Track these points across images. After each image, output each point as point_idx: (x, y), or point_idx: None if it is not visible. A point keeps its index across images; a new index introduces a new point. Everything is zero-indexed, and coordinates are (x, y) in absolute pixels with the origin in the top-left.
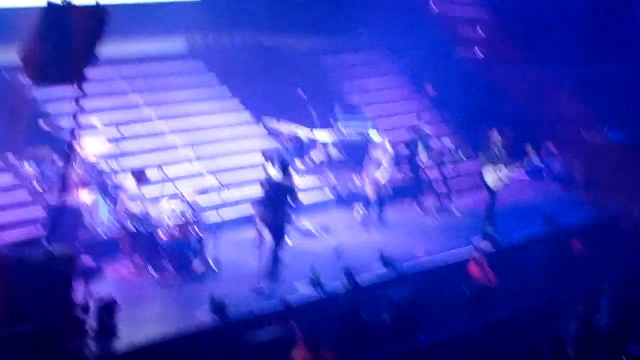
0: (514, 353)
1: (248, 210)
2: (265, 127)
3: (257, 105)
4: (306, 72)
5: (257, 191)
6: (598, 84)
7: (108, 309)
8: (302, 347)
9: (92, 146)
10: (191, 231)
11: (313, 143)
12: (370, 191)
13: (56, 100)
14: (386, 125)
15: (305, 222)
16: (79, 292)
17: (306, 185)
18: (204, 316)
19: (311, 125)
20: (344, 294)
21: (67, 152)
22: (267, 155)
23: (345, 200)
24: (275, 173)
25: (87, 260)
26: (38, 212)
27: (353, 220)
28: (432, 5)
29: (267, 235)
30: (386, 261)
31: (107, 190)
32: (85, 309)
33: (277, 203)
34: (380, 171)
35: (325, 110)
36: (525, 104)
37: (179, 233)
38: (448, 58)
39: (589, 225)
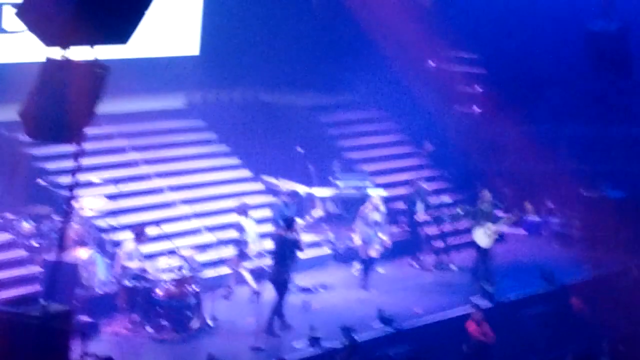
0: None
1: (248, 266)
2: (264, 184)
3: (256, 162)
4: (305, 128)
5: (255, 247)
6: (596, 141)
7: None
8: None
9: (90, 203)
10: (188, 288)
11: (312, 199)
12: (362, 248)
13: (55, 157)
14: (384, 182)
15: (303, 279)
16: (76, 349)
17: (304, 241)
18: None
19: (310, 182)
20: (343, 353)
21: (65, 209)
22: (274, 211)
23: (342, 256)
24: (276, 228)
25: (84, 317)
26: (35, 269)
27: (351, 277)
28: (430, 62)
29: (269, 291)
30: (385, 319)
31: (105, 247)
32: None
33: (281, 257)
34: (373, 229)
35: (324, 166)
36: (523, 160)
37: (176, 290)
38: (446, 115)
39: (588, 282)
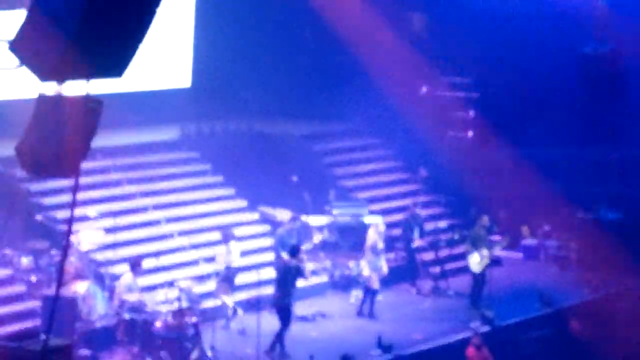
0: None
1: (244, 296)
2: (260, 214)
3: (252, 192)
4: (300, 157)
5: (254, 277)
6: (591, 163)
7: None
8: None
9: (88, 237)
10: (187, 319)
11: (308, 228)
12: (371, 279)
13: (51, 192)
14: (380, 208)
15: (301, 307)
16: None
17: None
18: None
19: (306, 210)
20: None
21: (63, 244)
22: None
23: (340, 284)
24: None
25: (84, 350)
26: (34, 304)
27: (349, 305)
28: (423, 88)
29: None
30: (384, 346)
31: (103, 280)
32: None
33: (284, 285)
34: (379, 256)
35: (320, 195)
36: (519, 184)
37: (174, 321)
38: (440, 140)
39: (587, 305)
